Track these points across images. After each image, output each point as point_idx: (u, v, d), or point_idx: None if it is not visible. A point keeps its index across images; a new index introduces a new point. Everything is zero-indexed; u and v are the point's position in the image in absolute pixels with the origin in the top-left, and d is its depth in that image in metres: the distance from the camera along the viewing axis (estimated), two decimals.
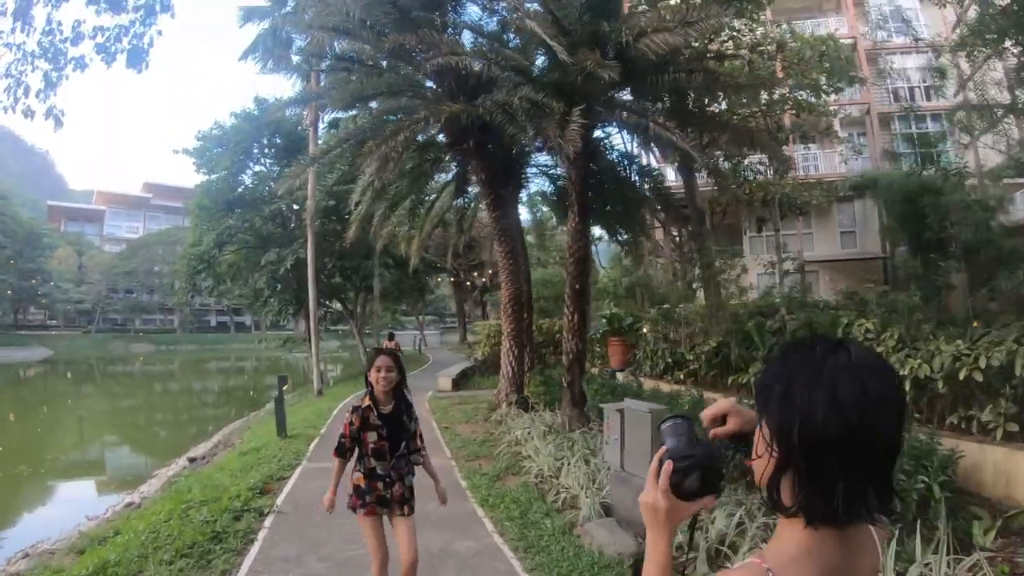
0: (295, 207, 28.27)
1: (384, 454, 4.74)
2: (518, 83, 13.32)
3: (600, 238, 46.90)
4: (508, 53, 13.81)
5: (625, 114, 13.99)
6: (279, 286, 28.31)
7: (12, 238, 68.48)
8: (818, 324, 12.44)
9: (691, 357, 15.43)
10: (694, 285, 21.32)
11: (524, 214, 48.41)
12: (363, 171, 18.90)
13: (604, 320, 21.30)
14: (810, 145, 26.94)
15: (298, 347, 33.69)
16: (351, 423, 4.74)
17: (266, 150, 29.65)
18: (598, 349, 21.80)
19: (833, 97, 21.08)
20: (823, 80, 19.27)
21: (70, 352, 69.43)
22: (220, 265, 30.14)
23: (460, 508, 8.44)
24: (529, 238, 43.81)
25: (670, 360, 16.63)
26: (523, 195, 21.53)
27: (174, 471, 14.89)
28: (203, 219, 30.12)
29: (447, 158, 19.40)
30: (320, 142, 22.19)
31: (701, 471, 1.41)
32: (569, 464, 9.57)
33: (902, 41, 26.02)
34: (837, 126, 26.87)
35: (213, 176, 29.46)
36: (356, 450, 4.80)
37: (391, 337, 29.57)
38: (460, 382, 22.53)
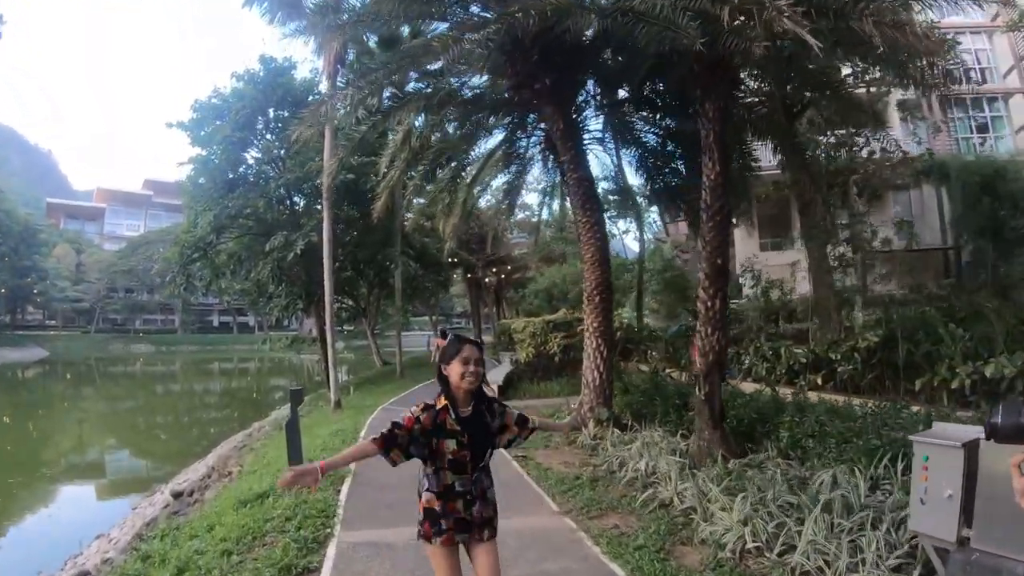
0: (305, 186, 23.61)
1: (464, 466, 3.51)
2: None
3: (626, 231, 43.32)
4: None
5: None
6: (286, 278, 23.60)
7: (7, 234, 64.32)
8: None
9: (836, 357, 12.47)
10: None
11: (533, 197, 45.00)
12: (396, 127, 14.75)
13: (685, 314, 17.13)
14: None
15: (306, 348, 28.80)
16: (416, 419, 3.44)
17: (271, 125, 24.81)
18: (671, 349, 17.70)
19: None
20: None
21: (68, 352, 67.78)
22: (218, 255, 25.43)
23: None
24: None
25: (792, 363, 13.52)
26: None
27: (151, 513, 11.66)
28: (199, 200, 25.20)
29: (493, 121, 15.03)
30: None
31: None
32: (805, 526, 5.65)
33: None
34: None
35: (212, 155, 24.69)
36: (427, 462, 3.51)
37: (444, 335, 25.27)
38: (506, 389, 17.95)
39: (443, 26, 12.91)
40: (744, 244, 26.30)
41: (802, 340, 15.37)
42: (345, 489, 8.60)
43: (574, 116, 13.26)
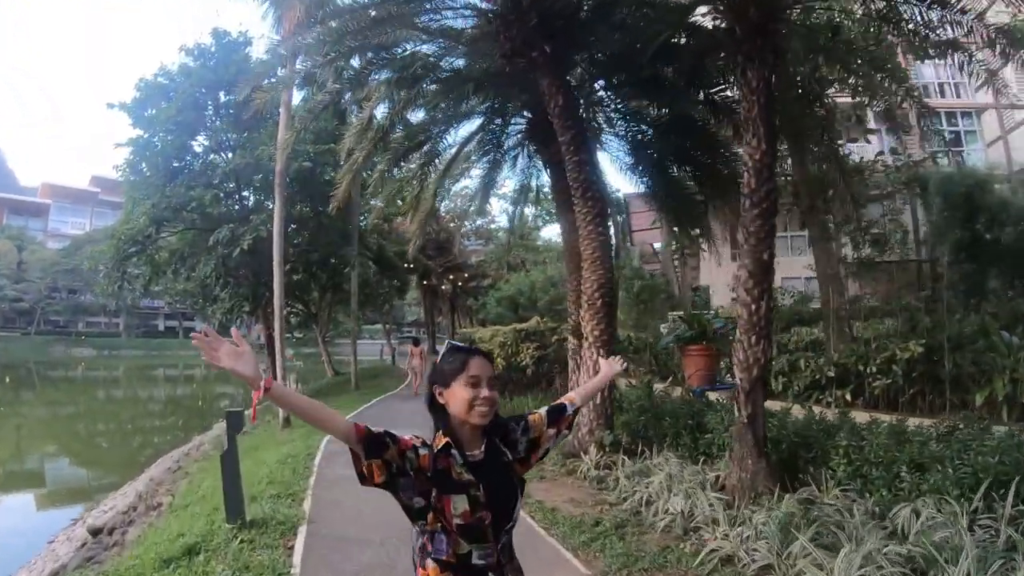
0: (256, 178, 21.03)
1: (484, 532, 2.30)
2: None
3: None
4: None
5: None
6: (231, 277, 20.91)
7: None
8: None
9: (870, 370, 10.79)
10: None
11: (501, 205, 42.92)
12: (363, 103, 12.61)
13: (677, 323, 15.32)
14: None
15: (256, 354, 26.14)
16: (414, 448, 2.26)
17: (222, 110, 22.09)
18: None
19: None
20: None
21: (6, 355, 62.58)
22: (159, 251, 22.64)
23: None
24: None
25: (817, 377, 11.72)
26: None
27: (65, 553, 9.80)
28: (138, 188, 22.15)
29: (470, 105, 13.06)
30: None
31: None
32: None
33: None
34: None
35: (154, 138, 21.60)
36: (421, 518, 2.30)
37: (416, 343, 23.39)
38: None
39: None
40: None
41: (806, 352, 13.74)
42: (300, 546, 6.30)
43: (575, 90, 11.19)
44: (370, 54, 12.06)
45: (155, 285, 25.59)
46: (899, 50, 13.85)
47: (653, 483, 7.45)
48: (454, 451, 2.33)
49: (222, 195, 22.79)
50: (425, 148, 13.74)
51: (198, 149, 22.43)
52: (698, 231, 15.32)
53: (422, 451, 2.31)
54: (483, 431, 2.45)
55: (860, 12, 11.76)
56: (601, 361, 3.21)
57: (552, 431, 2.71)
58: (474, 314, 48.67)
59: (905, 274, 22.49)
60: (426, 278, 43.45)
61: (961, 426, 7.19)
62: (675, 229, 17.42)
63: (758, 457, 7.25)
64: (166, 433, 23.51)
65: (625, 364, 3.20)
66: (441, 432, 2.37)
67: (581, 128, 10.69)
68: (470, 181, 18.65)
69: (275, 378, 14.40)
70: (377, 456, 2.23)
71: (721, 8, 9.08)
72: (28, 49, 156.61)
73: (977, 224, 15.70)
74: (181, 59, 21.33)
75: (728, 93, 12.01)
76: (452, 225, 46.94)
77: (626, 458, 8.86)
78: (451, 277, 44.40)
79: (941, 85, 27.56)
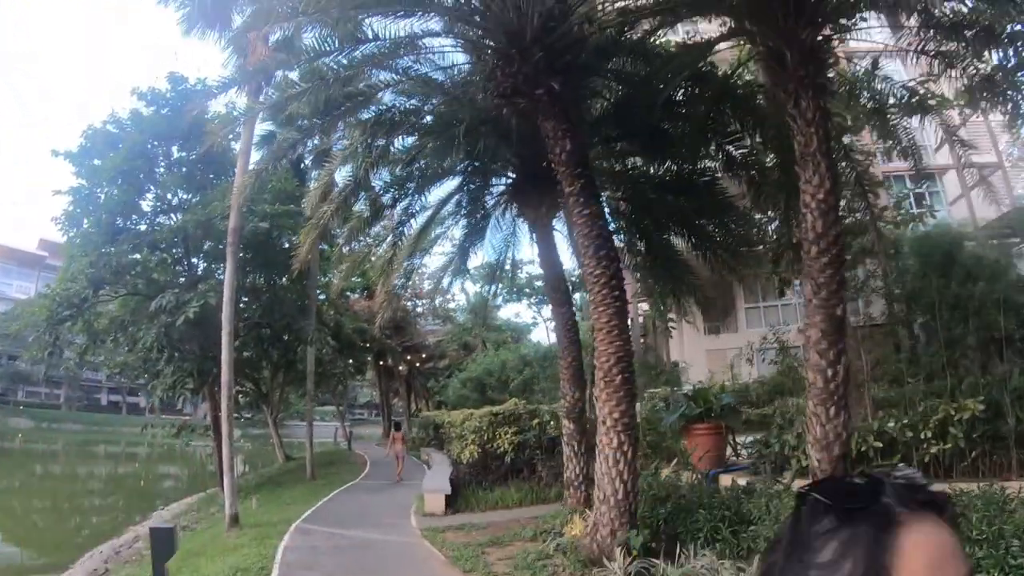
0: (207, 244, 18.88)
1: None
2: None
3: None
4: None
5: None
6: (175, 350, 18.37)
7: None
8: None
9: (929, 435, 9.05)
10: None
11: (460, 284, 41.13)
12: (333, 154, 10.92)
13: (678, 399, 13.66)
14: None
15: (196, 436, 23.07)
16: None
17: (174, 168, 19.81)
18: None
19: None
20: None
21: None
22: (98, 317, 20.00)
23: None
24: None
25: (864, 448, 9.50)
26: None
27: None
28: (76, 245, 19.36)
29: (459, 153, 11.43)
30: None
31: None
32: None
33: None
34: None
35: (97, 189, 18.93)
36: None
37: (398, 427, 21.42)
38: (455, 499, 13.46)
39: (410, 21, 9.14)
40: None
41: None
42: None
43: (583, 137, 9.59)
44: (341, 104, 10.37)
45: (93, 355, 22.68)
46: None
47: None
48: None
49: (169, 260, 20.50)
50: (401, 206, 11.93)
51: (146, 208, 20.04)
52: (692, 300, 13.83)
53: None
54: None
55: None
56: None
57: None
58: (432, 396, 46.26)
59: (890, 337, 21.60)
60: (382, 358, 41.33)
61: None
62: (658, 300, 15.97)
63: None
64: (105, 513, 22.35)
65: None
66: None
67: (591, 178, 9.04)
68: (440, 252, 16.96)
69: (220, 461, 12.10)
70: None
71: (759, 36, 7.71)
72: None
73: (952, 281, 14.75)
74: (133, 103, 18.88)
75: (746, 143, 10.66)
76: (410, 304, 44.97)
77: (666, 565, 7.04)
78: (408, 357, 42.18)
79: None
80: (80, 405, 77.52)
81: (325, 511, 13.97)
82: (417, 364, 44.19)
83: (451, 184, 12.68)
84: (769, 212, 13.15)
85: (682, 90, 10.42)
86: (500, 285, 33.87)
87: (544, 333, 48.28)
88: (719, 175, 11.46)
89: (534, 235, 12.24)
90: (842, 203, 11.53)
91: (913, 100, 11.16)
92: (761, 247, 13.98)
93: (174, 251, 20.29)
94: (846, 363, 6.57)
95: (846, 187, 13.93)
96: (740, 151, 10.87)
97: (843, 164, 11.65)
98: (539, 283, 42.47)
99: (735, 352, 26.66)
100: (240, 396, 25.00)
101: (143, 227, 19.84)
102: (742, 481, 9.92)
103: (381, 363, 42.60)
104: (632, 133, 11.07)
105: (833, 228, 6.52)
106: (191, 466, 38.50)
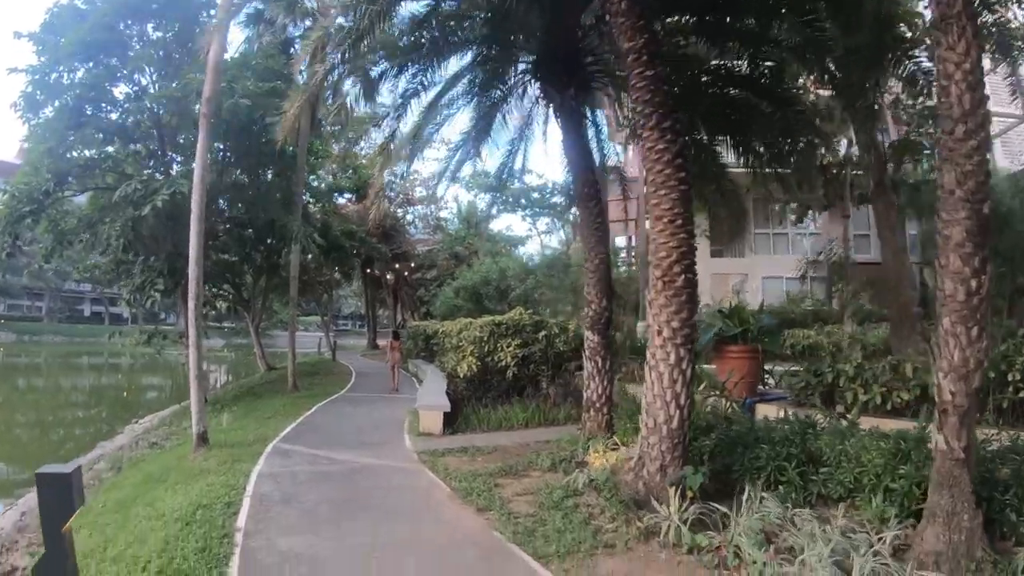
0: (181, 136, 16.67)
1: None
2: None
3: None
4: None
5: None
6: (142, 245, 16.36)
7: None
8: None
9: (1018, 377, 7.56)
10: None
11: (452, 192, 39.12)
12: None
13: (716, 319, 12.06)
14: None
15: (171, 344, 21.25)
16: None
17: (150, 51, 17.14)
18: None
19: None
20: None
21: None
22: (64, 217, 17.86)
23: None
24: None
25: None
26: None
27: None
28: (39, 135, 16.78)
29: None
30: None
31: None
32: None
33: None
34: None
35: (61, 67, 16.35)
36: None
37: (396, 336, 21.09)
38: (454, 417, 11.90)
39: None
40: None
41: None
42: None
43: None
44: None
45: (60, 257, 20.45)
46: None
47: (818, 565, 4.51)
48: None
49: (144, 153, 18.35)
50: (407, 73, 9.87)
51: (119, 96, 17.64)
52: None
53: None
54: None
55: None
56: None
57: None
58: (420, 307, 44.54)
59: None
60: (369, 266, 39.52)
61: None
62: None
63: (975, 510, 4.92)
64: (88, 425, 21.67)
65: None
66: None
67: (655, 33, 7.11)
68: (434, 158, 15.02)
69: (194, 371, 10.40)
70: None
71: None
72: None
73: None
74: None
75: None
76: (400, 212, 42.89)
77: (731, 512, 5.60)
78: (397, 266, 40.42)
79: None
80: (62, 316, 76.64)
81: (307, 427, 12.36)
82: (406, 273, 42.86)
83: (462, 61, 10.71)
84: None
85: None
86: (500, 193, 32.07)
87: (538, 247, 46.69)
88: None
89: (559, 119, 10.33)
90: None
91: None
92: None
93: (148, 144, 18.14)
94: (991, 273, 4.98)
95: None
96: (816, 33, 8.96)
97: None
98: (535, 195, 40.85)
99: (739, 278, 25.43)
100: (220, 302, 23.26)
101: (114, 116, 17.54)
102: (780, 413, 8.33)
103: (368, 271, 41.09)
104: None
105: (980, 107, 4.91)
106: (175, 377, 36.83)
